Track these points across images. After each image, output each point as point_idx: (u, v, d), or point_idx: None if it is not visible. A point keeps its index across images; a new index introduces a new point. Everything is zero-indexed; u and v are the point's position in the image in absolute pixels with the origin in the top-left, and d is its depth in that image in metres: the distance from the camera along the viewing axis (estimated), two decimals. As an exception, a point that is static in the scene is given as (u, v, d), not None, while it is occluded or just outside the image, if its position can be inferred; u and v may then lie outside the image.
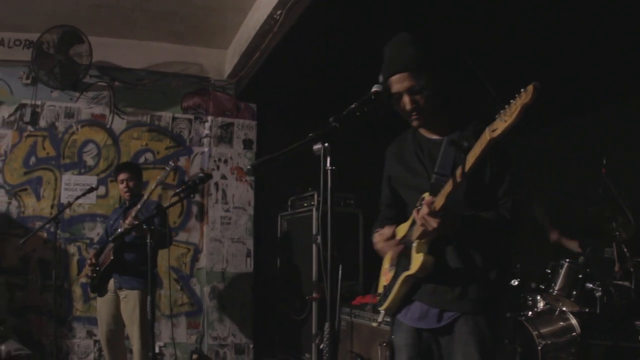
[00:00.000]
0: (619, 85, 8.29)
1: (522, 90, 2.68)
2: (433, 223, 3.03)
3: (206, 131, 9.76)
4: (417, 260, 3.26)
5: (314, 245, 8.65)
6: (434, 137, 3.58)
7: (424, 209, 3.06)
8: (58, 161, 8.96)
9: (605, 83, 8.29)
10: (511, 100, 2.73)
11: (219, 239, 9.50)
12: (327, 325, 2.95)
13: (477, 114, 3.50)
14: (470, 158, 2.94)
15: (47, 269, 8.46)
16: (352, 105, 3.16)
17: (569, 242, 7.78)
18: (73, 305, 8.74)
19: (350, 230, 8.99)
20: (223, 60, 9.92)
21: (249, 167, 2.85)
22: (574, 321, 6.72)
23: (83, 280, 8.61)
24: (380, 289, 3.77)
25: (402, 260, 3.50)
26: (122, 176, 7.06)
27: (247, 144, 9.93)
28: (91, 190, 7.70)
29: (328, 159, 3.03)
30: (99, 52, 8.76)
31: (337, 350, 7.34)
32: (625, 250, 6.72)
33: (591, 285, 6.86)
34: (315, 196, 8.96)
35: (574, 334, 6.57)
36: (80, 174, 9.02)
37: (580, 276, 6.97)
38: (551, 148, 9.41)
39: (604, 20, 6.59)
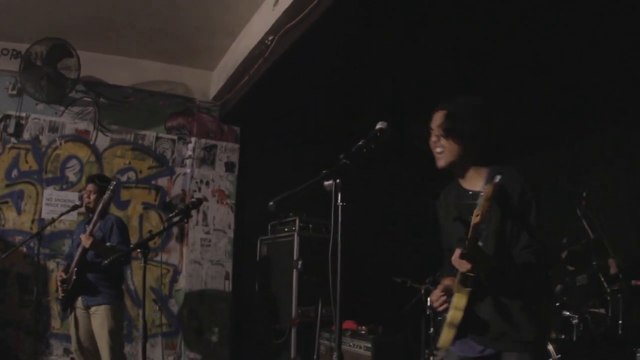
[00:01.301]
0: (597, 118, 9.12)
1: (485, 185, 3.48)
2: (464, 265, 3.50)
3: (189, 152, 10.40)
4: (449, 313, 3.76)
5: (294, 270, 9.33)
6: (473, 187, 4.02)
7: (456, 252, 3.46)
8: (40, 175, 9.38)
9: (583, 117, 9.10)
10: (480, 193, 3.54)
11: (199, 260, 10.11)
12: (335, 355, 3.57)
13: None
14: (470, 235, 3.47)
15: (25, 283, 8.88)
16: (360, 142, 3.65)
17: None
18: (51, 321, 9.10)
19: (328, 257, 9.67)
20: (209, 82, 10.57)
21: (271, 204, 3.21)
22: (550, 347, 7.07)
23: (55, 297, 9.01)
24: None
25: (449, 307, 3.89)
26: (89, 187, 7.35)
27: (229, 166, 10.63)
28: (75, 208, 7.99)
29: (339, 195, 3.53)
30: (86, 67, 9.20)
31: None
32: (602, 279, 7.35)
33: (568, 313, 7.39)
34: (297, 221, 9.68)
35: (551, 359, 6.94)
36: (62, 189, 9.47)
37: (557, 304, 7.58)
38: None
39: (584, 54, 7.33)
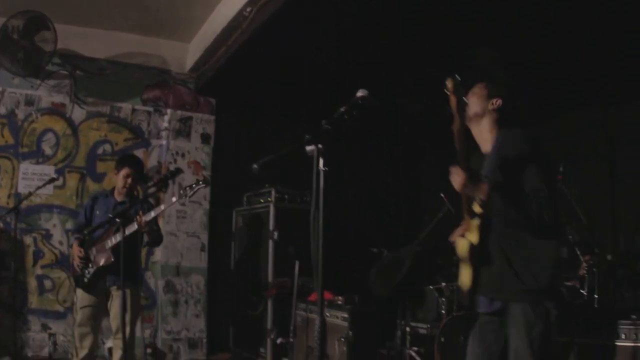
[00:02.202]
0: (576, 97, 9.65)
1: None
2: (457, 178, 4.02)
3: (165, 124, 10.89)
4: (461, 272, 4.30)
5: (270, 241, 9.82)
6: (485, 149, 4.55)
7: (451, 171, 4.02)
8: (16, 149, 9.74)
9: (563, 94, 9.64)
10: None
11: (174, 232, 10.64)
12: (318, 320, 3.82)
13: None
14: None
15: (2, 259, 9.20)
16: (342, 109, 3.84)
17: None
18: (28, 297, 9.52)
19: (305, 226, 10.11)
20: (185, 54, 10.98)
21: (255, 166, 3.45)
22: None
23: (39, 272, 9.57)
24: None
25: None
26: (126, 171, 7.46)
27: (205, 138, 11.17)
28: (52, 180, 8.37)
29: (321, 160, 3.69)
30: (62, 40, 9.45)
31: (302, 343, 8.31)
32: (578, 252, 7.76)
33: None
34: (273, 192, 10.14)
35: None
36: (38, 163, 9.86)
37: None
38: None
39: (565, 33, 7.72)
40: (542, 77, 8.97)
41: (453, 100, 4.02)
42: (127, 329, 7.09)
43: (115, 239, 6.96)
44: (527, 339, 4.06)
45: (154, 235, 7.36)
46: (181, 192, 6.95)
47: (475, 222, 4.22)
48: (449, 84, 4.05)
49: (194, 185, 6.76)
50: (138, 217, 6.89)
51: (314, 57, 9.07)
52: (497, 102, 4.49)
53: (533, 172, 4.10)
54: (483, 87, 4.59)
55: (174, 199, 7.05)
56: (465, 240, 4.23)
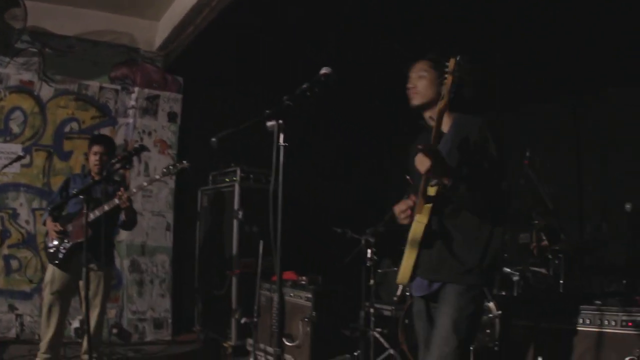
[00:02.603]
0: (546, 85, 9.94)
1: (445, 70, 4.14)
2: (425, 162, 3.91)
3: (132, 102, 11.09)
4: (411, 229, 4.23)
5: (235, 221, 10.01)
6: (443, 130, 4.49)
7: (419, 148, 3.94)
8: None
9: (533, 82, 9.92)
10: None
11: (140, 211, 10.61)
12: (276, 297, 4.03)
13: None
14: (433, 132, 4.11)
15: None
16: (304, 85, 3.89)
17: None
18: None
19: (269, 206, 10.22)
20: (154, 32, 11.18)
21: (213, 139, 3.51)
22: (491, 303, 7.56)
23: (6, 252, 9.72)
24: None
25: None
26: (96, 149, 7.68)
27: (172, 116, 11.42)
28: (19, 158, 8.68)
29: (282, 136, 3.76)
30: (32, 17, 9.56)
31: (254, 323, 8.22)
32: (543, 237, 8.04)
33: (509, 270, 8.02)
34: (238, 171, 10.39)
35: (490, 315, 7.41)
36: (5, 141, 9.98)
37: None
38: None
39: (531, 21, 8.03)
40: (514, 64, 9.31)
41: (449, 80, 4.14)
42: (97, 310, 7.56)
43: (94, 214, 7.12)
44: (455, 320, 4.19)
45: (132, 215, 7.61)
46: (164, 170, 7.22)
47: (428, 205, 4.22)
48: (451, 63, 4.17)
49: (177, 165, 6.99)
50: (120, 192, 7.17)
51: (282, 35, 9.29)
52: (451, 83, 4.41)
53: (492, 159, 4.28)
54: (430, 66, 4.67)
55: (157, 176, 7.27)
56: (421, 224, 4.19)
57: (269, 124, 3.76)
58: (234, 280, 9.97)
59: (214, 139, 3.89)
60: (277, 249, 3.83)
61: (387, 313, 9.49)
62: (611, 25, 7.87)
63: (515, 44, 8.71)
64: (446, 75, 4.17)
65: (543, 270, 8.12)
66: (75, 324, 9.33)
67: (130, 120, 11.16)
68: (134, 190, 7.30)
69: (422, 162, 3.97)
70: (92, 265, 7.36)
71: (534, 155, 8.32)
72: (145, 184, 7.52)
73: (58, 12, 10.40)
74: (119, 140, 10.83)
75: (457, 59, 4.10)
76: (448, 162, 4.13)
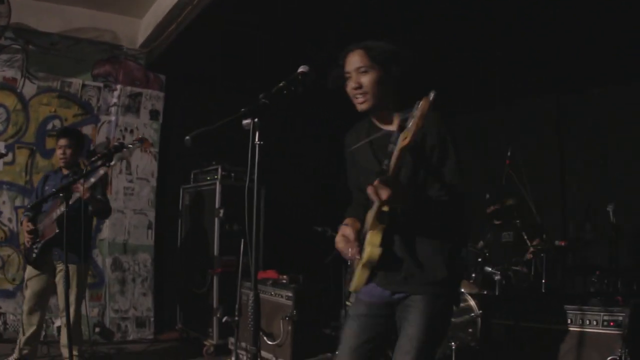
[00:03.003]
0: (528, 83, 10.05)
1: (420, 100, 3.35)
2: (384, 193, 3.57)
3: (114, 100, 11.12)
4: (366, 251, 3.95)
5: (216, 219, 10.08)
6: (387, 127, 4.23)
7: (376, 181, 3.60)
8: None
9: (515, 80, 9.99)
10: (413, 110, 3.39)
11: (122, 209, 10.92)
12: (251, 295, 3.73)
13: None
14: (392, 162, 3.60)
15: None
16: (280, 84, 3.83)
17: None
18: None
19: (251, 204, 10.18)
20: (137, 29, 11.22)
21: (187, 138, 3.44)
22: (472, 302, 7.64)
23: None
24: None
25: (362, 249, 4.11)
26: (61, 142, 7.84)
27: (153, 114, 11.45)
28: (1, 156, 8.72)
29: (257, 134, 3.69)
30: (16, 14, 9.69)
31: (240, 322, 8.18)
32: (525, 237, 8.21)
33: (490, 269, 8.10)
34: (219, 170, 10.41)
35: (472, 314, 7.49)
36: None
37: (479, 259, 8.27)
38: (459, 138, 10.90)
39: (517, 18, 8.04)
40: (495, 61, 9.37)
41: (415, 125, 3.44)
42: (73, 307, 7.43)
43: (60, 210, 7.22)
44: (424, 330, 4.03)
45: (97, 204, 7.54)
46: (120, 153, 6.88)
47: (382, 225, 4.00)
48: (423, 105, 3.42)
49: (130, 146, 6.77)
50: (76, 185, 7.01)
51: (265, 32, 9.33)
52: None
53: (452, 164, 4.08)
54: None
55: (112, 163, 6.89)
56: (376, 247, 3.96)
57: (245, 122, 3.72)
58: (215, 278, 9.98)
59: (187, 137, 3.85)
60: (253, 248, 3.77)
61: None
62: (597, 25, 7.97)
63: (499, 40, 8.77)
64: (412, 117, 3.45)
65: (525, 270, 8.21)
66: (58, 322, 9.30)
67: (113, 118, 11.14)
68: (92, 179, 7.02)
69: (381, 192, 3.64)
70: (59, 262, 7.50)
71: (515, 154, 8.47)
72: (101, 172, 7.06)
73: (41, 8, 10.40)
74: (101, 137, 10.95)
75: (431, 97, 3.38)
76: (406, 185, 3.94)
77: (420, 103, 3.33)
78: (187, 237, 11.33)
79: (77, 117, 10.86)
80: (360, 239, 4.17)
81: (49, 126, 10.61)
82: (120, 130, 11.14)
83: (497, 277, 8.02)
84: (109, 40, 11.11)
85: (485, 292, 8.02)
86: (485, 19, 8.15)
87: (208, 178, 10.72)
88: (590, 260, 9.03)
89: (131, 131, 11.20)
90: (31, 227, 7.63)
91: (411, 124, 3.37)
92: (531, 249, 8.15)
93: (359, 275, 4.13)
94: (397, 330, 4.21)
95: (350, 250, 4.16)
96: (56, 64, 10.69)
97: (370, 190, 3.65)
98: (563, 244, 8.29)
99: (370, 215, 3.98)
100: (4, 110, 10.29)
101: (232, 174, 10.55)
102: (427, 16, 8.28)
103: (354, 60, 4.14)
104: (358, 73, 4.11)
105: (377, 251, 3.92)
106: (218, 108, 10.81)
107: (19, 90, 10.40)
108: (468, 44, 8.90)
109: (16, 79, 10.38)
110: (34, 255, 7.59)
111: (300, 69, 3.95)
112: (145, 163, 11.29)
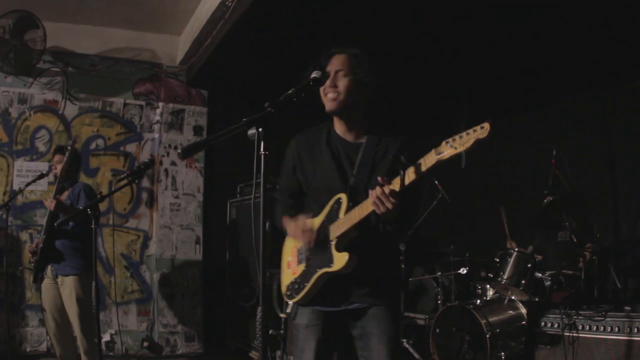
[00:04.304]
0: (569, 82, 9.99)
1: (479, 126, 3.36)
2: (389, 204, 3.70)
3: (157, 117, 11.40)
4: (341, 258, 4.03)
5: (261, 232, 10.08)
6: (351, 139, 4.37)
7: (385, 189, 3.70)
8: (10, 147, 10.30)
9: (556, 80, 9.96)
10: (465, 131, 3.40)
11: (169, 225, 11.20)
12: (259, 309, 3.63)
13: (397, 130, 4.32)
14: (411, 175, 3.67)
15: None
16: (289, 91, 3.75)
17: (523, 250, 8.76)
18: (25, 293, 10.03)
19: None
20: (175, 47, 11.50)
21: (179, 151, 3.50)
22: (523, 310, 7.93)
23: (26, 267, 9.83)
24: (287, 281, 4.48)
25: (316, 256, 4.23)
26: (56, 158, 7.97)
27: (197, 130, 11.67)
28: (41, 176, 8.57)
29: (262, 144, 3.55)
30: (53, 37, 10.11)
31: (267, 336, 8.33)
32: (575, 239, 8.10)
33: (540, 275, 8.12)
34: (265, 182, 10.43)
35: (524, 322, 7.73)
36: (32, 160, 10.40)
37: (529, 265, 8.24)
38: (504, 139, 10.86)
39: (556, 20, 8.00)
40: (539, 59, 9.31)
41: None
42: (77, 324, 7.62)
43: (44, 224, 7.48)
44: (389, 340, 4.15)
45: (63, 210, 7.48)
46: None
47: (354, 234, 4.16)
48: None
49: (141, 167, 6.56)
50: (48, 200, 7.40)
51: (296, 43, 9.26)
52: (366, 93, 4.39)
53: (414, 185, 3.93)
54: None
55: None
56: (352, 256, 4.05)
57: (250, 132, 3.61)
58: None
59: (179, 151, 3.87)
60: (260, 258, 3.71)
61: (420, 322, 9.56)
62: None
63: (539, 39, 8.69)
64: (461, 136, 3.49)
65: (576, 273, 8.06)
66: (106, 337, 9.55)
67: (156, 135, 11.44)
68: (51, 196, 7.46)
69: (386, 202, 3.75)
70: (50, 276, 7.71)
71: (561, 153, 8.53)
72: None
73: (78, 31, 10.83)
74: (145, 155, 11.21)
75: (488, 129, 3.39)
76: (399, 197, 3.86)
77: (479, 129, 3.41)
78: (234, 251, 11.42)
79: (120, 136, 11.16)
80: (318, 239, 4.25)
81: (92, 145, 10.93)
82: (165, 147, 11.39)
83: (547, 283, 8.02)
84: (148, 59, 11.44)
85: (536, 299, 8.05)
86: (523, 20, 8.14)
87: (257, 193, 10.61)
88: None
89: (175, 147, 11.42)
90: (32, 247, 7.80)
91: (458, 142, 3.46)
92: (585, 254, 8.04)
93: (312, 285, 4.22)
94: (351, 340, 4.34)
95: (309, 238, 4.24)
96: (97, 85, 11.04)
97: (374, 199, 3.77)
98: (614, 245, 8.39)
99: (339, 227, 4.14)
100: (46, 132, 10.65)
101: (277, 186, 10.45)
102: (467, 21, 8.32)
103: (336, 63, 4.31)
104: (337, 75, 4.26)
105: (355, 259, 4.06)
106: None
107: (60, 112, 10.77)
108: (509, 45, 8.88)
109: (57, 100, 10.76)
110: (34, 271, 7.77)
111: (313, 75, 3.87)
112: (191, 178, 11.51)
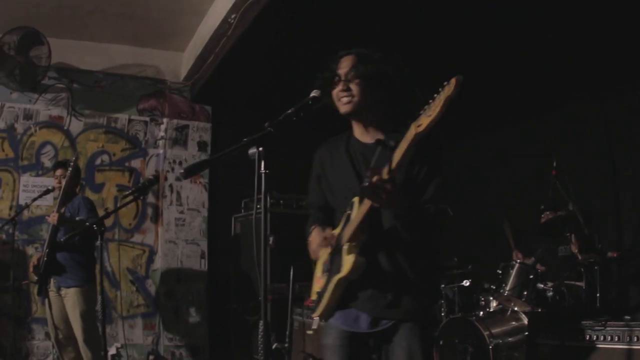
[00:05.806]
0: (568, 91, 10.05)
1: (445, 83, 3.15)
2: (382, 192, 3.45)
3: (161, 133, 11.58)
4: (348, 261, 3.80)
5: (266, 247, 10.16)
6: (369, 140, 4.15)
7: (374, 178, 3.45)
8: (16, 163, 10.43)
9: (555, 89, 10.04)
10: (435, 95, 3.19)
11: (174, 240, 11.36)
12: (261, 323, 3.64)
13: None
14: (397, 155, 3.44)
15: (5, 270, 9.61)
16: (289, 110, 3.73)
17: (527, 261, 8.80)
18: (31, 306, 10.10)
19: (302, 231, 10.05)
20: (179, 63, 11.70)
21: (181, 171, 3.53)
22: (525, 321, 7.78)
23: (30, 281, 9.88)
24: (314, 296, 4.25)
25: (334, 265, 3.99)
26: (57, 172, 8.30)
27: (201, 146, 11.87)
28: (47, 192, 8.97)
29: (262, 163, 3.56)
30: (58, 54, 10.26)
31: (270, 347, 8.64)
32: (577, 251, 8.16)
33: (542, 286, 8.13)
34: (268, 198, 10.40)
35: (527, 333, 7.56)
36: (38, 175, 10.55)
37: (531, 276, 8.15)
38: (502, 150, 11.13)
39: (554, 27, 8.13)
40: (539, 69, 9.42)
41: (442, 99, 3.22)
42: (80, 335, 7.84)
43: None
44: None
45: (66, 223, 7.82)
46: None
47: (364, 236, 3.90)
48: (451, 85, 3.20)
49: (146, 183, 6.56)
50: (51, 214, 7.68)
51: (299, 58, 9.06)
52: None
53: (439, 181, 3.94)
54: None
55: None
56: (360, 256, 3.82)
57: (251, 152, 3.60)
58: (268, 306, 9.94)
59: (181, 171, 3.83)
60: (262, 277, 3.66)
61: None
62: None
63: (539, 48, 8.80)
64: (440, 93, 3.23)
65: (579, 284, 8.02)
66: (112, 351, 9.69)
67: (161, 151, 11.58)
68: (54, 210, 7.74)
69: (379, 192, 3.51)
70: (53, 288, 7.97)
71: (561, 164, 8.45)
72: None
73: (83, 47, 11.01)
74: (150, 171, 11.37)
75: (459, 80, 3.12)
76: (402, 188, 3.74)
77: (445, 86, 3.16)
78: (239, 265, 11.52)
79: (125, 152, 11.32)
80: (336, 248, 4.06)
81: (97, 161, 11.09)
82: (169, 163, 11.56)
83: (549, 294, 8.07)
84: (152, 75, 11.58)
85: (539, 310, 8.02)
86: (522, 24, 8.25)
87: (258, 206, 10.74)
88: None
89: (180, 163, 11.59)
90: (35, 262, 8.06)
91: (432, 107, 3.22)
92: (586, 264, 7.86)
93: (330, 294, 4.00)
94: None
95: (328, 245, 4.09)
96: (101, 101, 11.21)
97: (366, 190, 3.53)
98: (615, 255, 8.28)
99: (348, 230, 3.92)
100: (51, 148, 10.82)
101: (281, 201, 10.94)
102: (465, 30, 8.46)
103: (345, 65, 4.13)
104: (347, 77, 4.06)
105: (362, 259, 3.81)
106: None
107: (65, 128, 10.94)
108: (510, 53, 9.00)
109: (62, 117, 10.95)
110: (38, 284, 8.00)
111: (312, 94, 3.82)
112: (195, 194, 11.67)
